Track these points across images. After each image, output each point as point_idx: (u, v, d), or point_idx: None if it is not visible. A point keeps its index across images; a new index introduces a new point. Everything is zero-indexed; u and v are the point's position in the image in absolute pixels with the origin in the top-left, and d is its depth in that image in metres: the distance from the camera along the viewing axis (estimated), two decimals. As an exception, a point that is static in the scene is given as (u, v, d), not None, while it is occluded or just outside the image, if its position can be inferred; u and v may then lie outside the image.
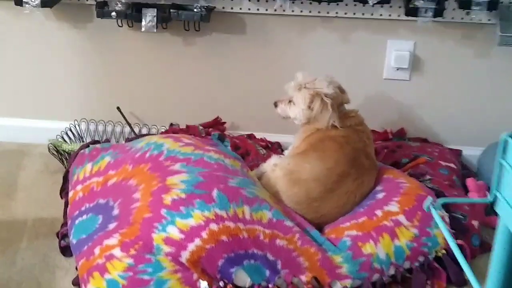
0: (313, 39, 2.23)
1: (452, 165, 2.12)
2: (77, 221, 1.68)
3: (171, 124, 2.34)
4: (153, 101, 2.38)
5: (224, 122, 2.35)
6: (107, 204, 1.67)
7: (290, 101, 1.89)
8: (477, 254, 1.78)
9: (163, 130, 2.29)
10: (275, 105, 1.93)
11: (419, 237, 1.64)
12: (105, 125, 2.37)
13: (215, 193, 1.57)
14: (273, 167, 1.84)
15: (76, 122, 2.36)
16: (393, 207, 1.70)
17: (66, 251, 1.72)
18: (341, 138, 1.82)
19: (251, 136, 2.34)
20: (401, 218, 1.66)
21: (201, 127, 2.26)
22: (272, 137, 2.35)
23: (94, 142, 1.95)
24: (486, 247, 1.81)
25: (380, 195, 1.76)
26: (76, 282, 1.59)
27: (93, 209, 1.68)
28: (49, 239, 1.79)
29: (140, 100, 2.38)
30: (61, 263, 1.70)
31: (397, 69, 2.22)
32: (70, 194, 1.78)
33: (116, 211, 1.63)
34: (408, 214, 1.67)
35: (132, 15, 2.09)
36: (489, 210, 1.94)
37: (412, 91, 2.28)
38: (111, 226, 1.59)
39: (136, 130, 2.36)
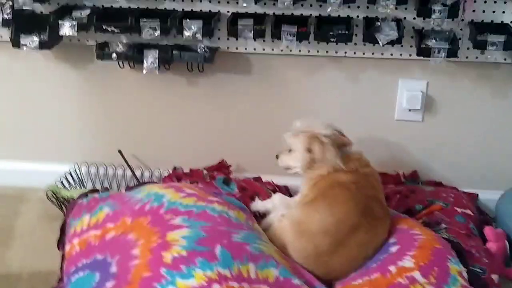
0: (321, 79, 2.16)
1: (468, 211, 2.02)
2: (73, 278, 1.58)
3: (174, 168, 2.26)
4: (155, 144, 2.31)
5: (229, 166, 2.27)
6: (104, 260, 1.57)
7: (290, 150, 1.82)
8: (497, 311, 1.68)
9: (166, 174, 2.21)
10: (277, 157, 1.87)
11: (437, 296, 1.53)
12: (106, 169, 2.29)
13: (218, 250, 1.47)
14: (280, 217, 1.74)
15: (76, 166, 2.29)
16: (408, 262, 1.59)
17: (62, 308, 1.62)
18: (352, 185, 1.73)
19: (258, 180, 2.25)
20: (417, 275, 1.55)
21: (205, 172, 2.17)
22: (279, 180, 2.25)
23: (93, 191, 1.86)
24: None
25: (394, 249, 1.66)
26: None
27: (90, 265, 1.58)
28: (45, 295, 1.70)
29: (142, 143, 2.31)
30: (56, 322, 1.60)
31: (409, 110, 2.14)
32: (67, 247, 1.68)
33: (114, 268, 1.53)
34: (424, 270, 1.56)
35: (134, 57, 2.03)
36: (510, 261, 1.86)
37: (425, 133, 2.19)
38: (109, 285, 1.49)
39: (138, 174, 2.28)
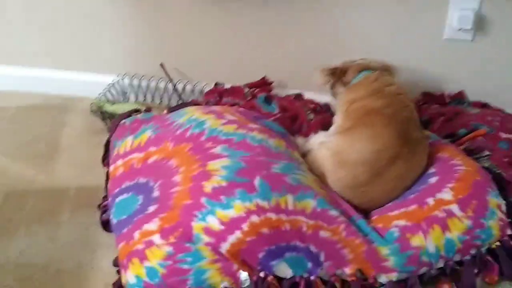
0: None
1: (512, 136, 1.98)
2: (117, 200, 1.64)
3: (216, 84, 2.24)
4: (198, 58, 2.29)
5: (271, 82, 2.25)
6: (147, 184, 1.62)
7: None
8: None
9: (207, 89, 2.21)
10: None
11: (473, 229, 1.54)
12: (149, 81, 2.30)
13: (257, 181, 1.49)
14: (319, 145, 1.75)
15: (120, 77, 2.30)
16: (447, 194, 1.59)
17: (107, 225, 1.69)
18: (387, 109, 1.72)
19: (299, 97, 2.23)
20: (454, 208, 1.56)
21: (246, 89, 2.16)
22: (320, 97, 2.22)
23: (136, 111, 1.88)
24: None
25: (433, 180, 1.65)
26: (116, 263, 1.57)
27: (133, 188, 1.64)
28: (91, 211, 1.77)
29: (185, 56, 2.30)
30: (102, 239, 1.68)
31: (459, 29, 2.04)
32: (111, 168, 1.73)
33: (156, 193, 1.58)
34: (462, 203, 1.57)
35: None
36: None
37: (475, 52, 2.10)
38: (151, 208, 1.54)
39: (180, 86, 2.28)
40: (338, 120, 1.84)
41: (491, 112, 2.10)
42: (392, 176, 1.65)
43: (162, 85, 2.30)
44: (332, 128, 1.87)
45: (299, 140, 1.93)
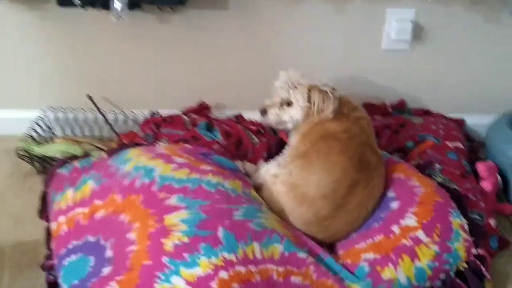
0: (304, 10, 1.99)
1: (459, 144, 1.99)
2: (65, 262, 1.50)
3: (152, 114, 2.12)
4: (129, 86, 2.15)
5: (209, 107, 2.14)
6: (97, 243, 1.49)
7: (282, 104, 1.73)
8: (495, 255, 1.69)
9: (142, 118, 2.09)
10: (263, 112, 1.76)
11: (441, 254, 1.52)
12: (76, 114, 2.14)
13: (220, 232, 1.40)
14: (273, 178, 1.67)
15: (44, 112, 2.12)
16: (411, 220, 1.56)
17: (53, 287, 1.54)
18: (343, 134, 1.66)
19: (239, 119, 2.14)
20: (420, 234, 1.53)
21: (186, 118, 2.05)
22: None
23: (72, 158, 1.73)
24: (504, 244, 1.73)
25: (395, 205, 1.62)
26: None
27: (83, 248, 1.50)
28: (33, 272, 1.62)
29: (114, 85, 2.15)
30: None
31: (397, 40, 2.02)
32: (53, 225, 1.58)
33: (109, 253, 1.46)
34: (427, 228, 1.54)
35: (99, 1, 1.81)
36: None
37: (413, 61, 2.09)
38: (106, 271, 1.42)
39: (112, 117, 2.13)
40: (293, 142, 1.76)
41: (433, 120, 2.09)
42: (354, 205, 1.60)
43: (90, 116, 2.14)
44: (285, 153, 1.79)
45: (248, 166, 1.86)
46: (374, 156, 1.67)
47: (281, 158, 1.78)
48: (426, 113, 2.17)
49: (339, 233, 1.60)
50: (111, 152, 1.71)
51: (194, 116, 2.07)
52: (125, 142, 1.94)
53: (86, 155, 1.75)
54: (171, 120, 2.04)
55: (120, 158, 1.65)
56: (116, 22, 1.82)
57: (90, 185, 1.60)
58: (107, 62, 2.08)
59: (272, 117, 1.74)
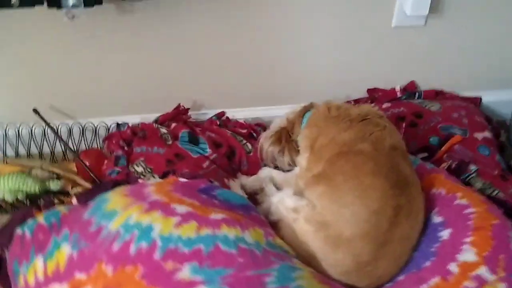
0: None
1: (487, 133, 1.72)
2: None
3: (118, 125, 1.71)
4: (85, 94, 1.74)
5: (187, 110, 1.75)
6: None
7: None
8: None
9: (102, 128, 1.69)
10: None
11: (509, 293, 1.25)
12: (19, 128, 1.72)
13: (254, 313, 1.07)
14: (293, 214, 1.34)
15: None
16: (469, 254, 1.27)
17: None
18: (364, 145, 1.36)
19: (224, 120, 1.78)
20: (483, 271, 1.24)
21: (162, 130, 1.66)
22: (245, 114, 1.80)
23: (31, 208, 1.33)
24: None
25: (445, 234, 1.33)
26: None
27: None
28: None
29: (66, 94, 1.73)
30: None
31: (412, 16, 1.68)
32: (20, 306, 1.21)
33: None
34: (490, 262, 1.25)
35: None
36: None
37: (427, 38, 1.76)
38: None
39: (64, 129, 1.72)
40: (302, 162, 1.45)
41: (452, 105, 1.80)
42: (397, 239, 1.29)
43: (37, 131, 1.72)
44: (296, 174, 1.47)
45: (244, 180, 1.54)
46: (407, 165, 1.37)
47: (289, 178, 1.46)
48: (438, 94, 1.87)
49: (383, 277, 1.31)
50: (84, 198, 1.33)
51: (171, 125, 1.69)
52: (94, 176, 1.55)
53: (50, 202, 1.35)
54: (143, 134, 1.65)
55: (100, 210, 1.26)
56: (68, 21, 1.39)
57: (65, 251, 1.22)
58: (58, 66, 1.65)
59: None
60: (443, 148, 1.63)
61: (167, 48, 1.66)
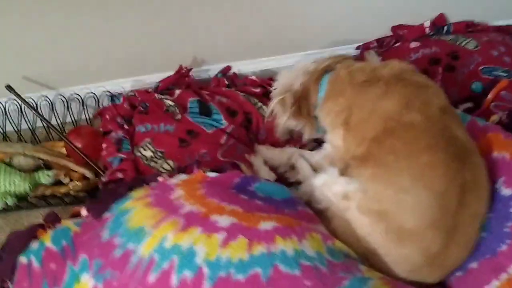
0: None
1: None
2: None
3: (112, 98, 1.44)
4: (59, 58, 1.44)
5: (190, 70, 1.49)
6: None
7: None
8: None
9: (91, 95, 1.43)
10: None
11: None
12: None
13: None
14: (343, 202, 1.14)
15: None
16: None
17: None
18: (412, 114, 1.14)
19: (232, 78, 1.52)
20: None
21: (169, 102, 1.40)
22: (253, 66, 1.55)
23: (31, 229, 1.09)
24: None
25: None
26: None
27: None
28: None
29: (41, 60, 1.43)
30: None
31: None
32: None
33: None
34: None
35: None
36: None
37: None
38: None
39: (44, 104, 1.45)
40: (336, 141, 1.24)
41: (489, 42, 1.58)
42: (467, 220, 1.11)
43: (13, 107, 1.44)
44: (325, 153, 1.27)
45: (265, 152, 1.34)
46: (459, 128, 1.17)
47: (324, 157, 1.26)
48: (469, 26, 1.65)
49: (454, 265, 1.14)
50: (96, 211, 1.09)
51: (175, 92, 1.43)
52: (94, 164, 1.29)
53: (54, 216, 1.11)
54: (145, 108, 1.39)
55: (122, 227, 1.04)
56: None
57: (87, 284, 1.00)
58: (31, 33, 1.35)
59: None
60: (490, 96, 1.43)
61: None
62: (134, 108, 1.40)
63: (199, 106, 1.38)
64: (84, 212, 1.10)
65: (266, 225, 1.02)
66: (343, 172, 1.22)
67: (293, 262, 0.97)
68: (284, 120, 1.29)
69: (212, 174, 1.13)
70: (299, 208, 1.13)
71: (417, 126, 1.14)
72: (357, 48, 1.62)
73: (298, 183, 1.29)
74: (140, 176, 1.23)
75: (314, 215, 1.15)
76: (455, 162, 1.10)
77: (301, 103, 1.28)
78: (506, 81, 1.45)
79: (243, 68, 1.54)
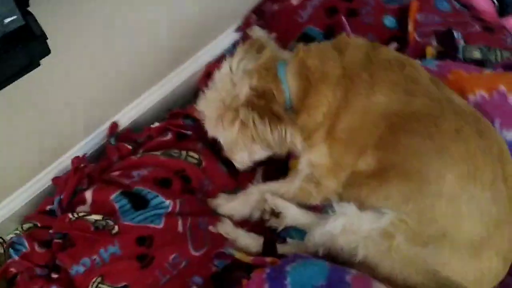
0: None
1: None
2: None
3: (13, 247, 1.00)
4: None
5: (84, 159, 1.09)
6: None
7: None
8: None
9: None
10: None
11: None
12: None
13: None
14: (383, 241, 0.94)
15: None
16: None
17: None
18: (419, 100, 0.96)
19: (116, 135, 1.17)
20: None
21: (91, 217, 1.01)
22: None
23: None
24: None
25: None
26: None
27: None
28: None
29: None
30: None
31: None
32: None
33: None
34: None
35: None
36: None
37: None
38: None
39: None
40: (319, 159, 1.00)
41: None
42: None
43: None
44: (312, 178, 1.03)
45: (226, 209, 1.11)
46: (451, 92, 1.02)
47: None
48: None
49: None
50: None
51: (85, 196, 1.04)
52: None
53: None
54: (63, 238, 0.99)
55: None
56: None
57: None
58: None
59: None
60: (410, 27, 1.26)
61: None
62: (49, 247, 0.99)
63: (128, 199, 1.01)
64: None
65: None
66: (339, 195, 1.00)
67: None
68: (261, 134, 0.97)
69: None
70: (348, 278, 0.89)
71: (427, 112, 0.96)
72: (237, 30, 1.33)
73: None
74: None
75: (367, 276, 0.91)
76: (482, 139, 0.95)
77: (272, 106, 0.97)
78: (415, 3, 1.28)
79: (122, 120, 1.17)
